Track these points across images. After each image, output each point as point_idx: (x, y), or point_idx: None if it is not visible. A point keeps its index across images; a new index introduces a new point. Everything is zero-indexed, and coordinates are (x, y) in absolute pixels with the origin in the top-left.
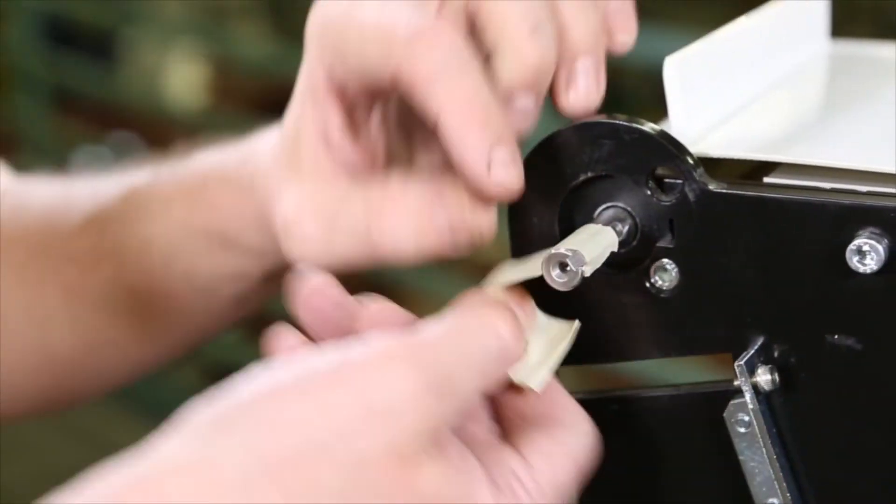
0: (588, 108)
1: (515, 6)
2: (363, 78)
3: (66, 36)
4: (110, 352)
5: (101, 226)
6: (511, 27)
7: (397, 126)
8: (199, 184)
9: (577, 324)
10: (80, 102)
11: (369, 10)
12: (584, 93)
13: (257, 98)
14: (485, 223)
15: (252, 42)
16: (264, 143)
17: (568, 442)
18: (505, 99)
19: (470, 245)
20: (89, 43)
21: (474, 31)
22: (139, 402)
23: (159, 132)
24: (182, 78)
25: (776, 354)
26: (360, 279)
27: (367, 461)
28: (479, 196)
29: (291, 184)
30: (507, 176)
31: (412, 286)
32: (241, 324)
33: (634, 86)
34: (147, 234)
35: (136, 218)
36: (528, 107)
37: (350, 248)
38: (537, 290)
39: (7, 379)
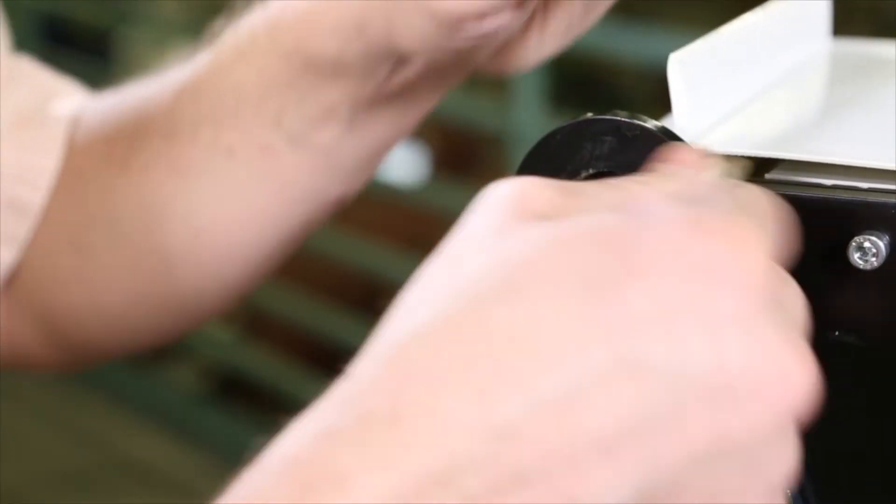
0: None
1: None
2: None
3: (62, 35)
4: (221, 237)
5: (196, 88)
6: None
7: None
8: (279, 8)
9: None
10: None
11: None
12: None
13: None
14: None
15: None
16: None
17: None
18: None
19: None
20: (86, 42)
21: None
22: (139, 403)
23: None
24: None
25: None
26: (358, 280)
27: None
28: None
29: None
30: None
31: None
32: (240, 324)
33: (632, 85)
34: (238, 78)
35: (226, 66)
36: None
37: None
38: None
39: (127, 283)
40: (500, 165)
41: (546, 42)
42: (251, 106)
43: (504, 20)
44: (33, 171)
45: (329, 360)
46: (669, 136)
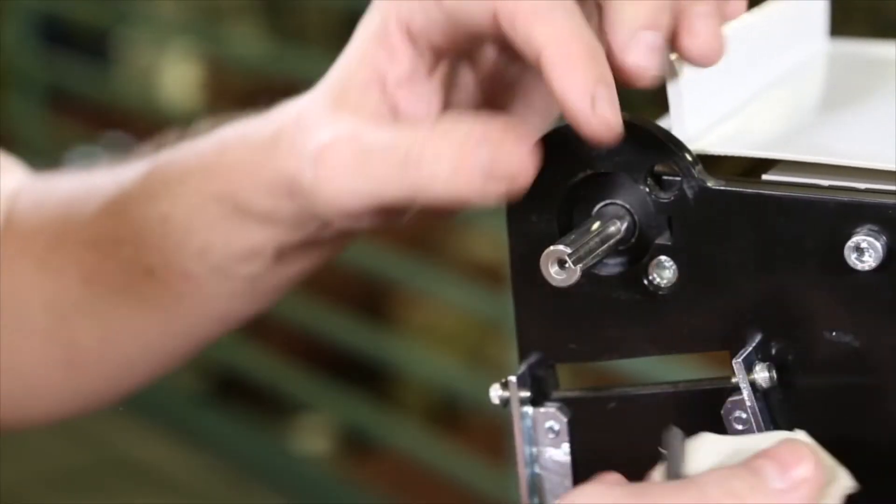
0: (710, 54)
1: None
2: (455, 22)
3: (60, 36)
4: (132, 343)
5: (122, 208)
6: None
7: (457, 90)
8: (216, 150)
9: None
10: (74, 102)
11: None
12: (704, 37)
13: (252, 98)
14: (523, 170)
15: (247, 42)
16: (299, 100)
17: None
18: (628, 40)
19: (504, 190)
20: (84, 43)
21: None
22: (137, 403)
23: (154, 132)
24: (177, 78)
25: (774, 351)
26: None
27: None
28: (584, 133)
29: (331, 118)
30: (611, 114)
31: (409, 287)
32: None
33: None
34: (165, 210)
35: (154, 194)
36: (655, 42)
37: (384, 175)
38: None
39: (30, 377)
40: None
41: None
42: (175, 238)
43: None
44: None
45: (328, 361)
46: (667, 138)
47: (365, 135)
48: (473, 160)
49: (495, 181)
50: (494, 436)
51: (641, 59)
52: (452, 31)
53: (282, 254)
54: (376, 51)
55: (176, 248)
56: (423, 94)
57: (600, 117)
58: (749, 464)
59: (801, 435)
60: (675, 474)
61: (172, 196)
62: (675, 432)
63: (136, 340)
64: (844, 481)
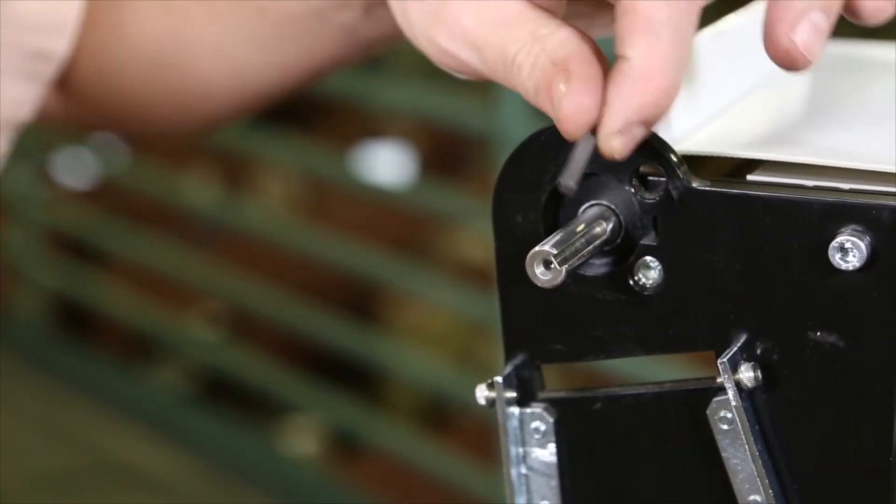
0: (806, 63)
1: None
2: None
3: None
4: (253, 78)
5: None
6: None
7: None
8: None
9: None
10: None
11: None
12: (810, 44)
13: None
14: (584, 115)
15: None
16: None
17: None
18: (798, 17)
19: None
20: None
21: None
22: (125, 405)
23: None
24: None
25: (759, 351)
26: (346, 280)
27: None
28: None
29: None
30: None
31: (397, 288)
32: (226, 326)
33: None
34: None
35: None
36: (823, 25)
37: (473, 53)
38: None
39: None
40: (486, 166)
41: None
42: None
43: None
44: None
45: (317, 362)
46: (652, 138)
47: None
48: (552, 94)
49: (564, 118)
50: (483, 436)
51: (809, 40)
52: None
53: (371, 9)
54: None
55: None
56: None
57: (619, 151)
58: None
59: None
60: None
61: None
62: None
63: (257, 75)
64: None
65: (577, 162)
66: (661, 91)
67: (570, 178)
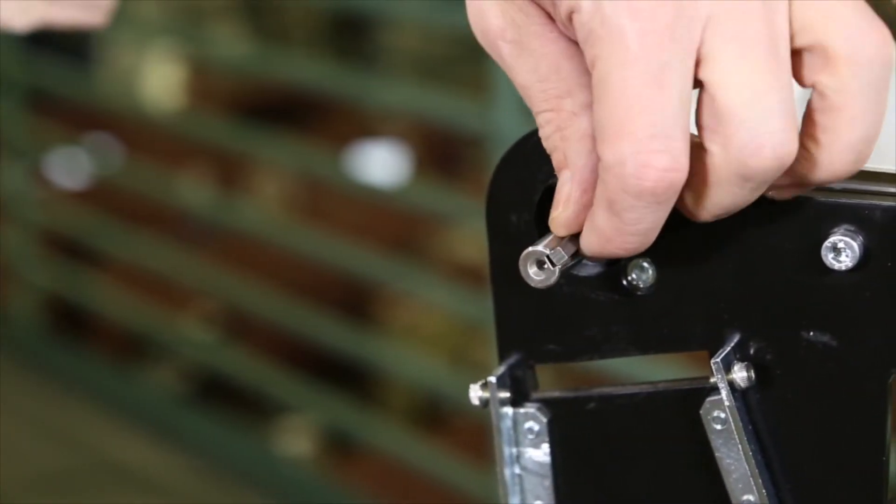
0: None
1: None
2: None
3: (41, 37)
4: None
5: None
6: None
7: None
8: None
9: None
10: (56, 104)
11: None
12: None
13: (235, 99)
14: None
15: (229, 43)
16: None
17: None
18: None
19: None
20: (65, 44)
21: None
22: (120, 405)
23: (136, 133)
24: (159, 79)
25: (752, 351)
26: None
27: None
28: None
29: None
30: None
31: (392, 288)
32: (221, 326)
33: None
34: None
35: None
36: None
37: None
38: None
39: None
40: (480, 166)
41: None
42: None
43: None
44: None
45: (311, 362)
46: None
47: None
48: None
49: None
50: (478, 436)
51: (847, 172)
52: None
53: None
54: None
55: None
56: None
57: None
58: None
59: None
60: None
61: None
62: None
63: None
64: None
65: None
66: (621, 250)
67: None
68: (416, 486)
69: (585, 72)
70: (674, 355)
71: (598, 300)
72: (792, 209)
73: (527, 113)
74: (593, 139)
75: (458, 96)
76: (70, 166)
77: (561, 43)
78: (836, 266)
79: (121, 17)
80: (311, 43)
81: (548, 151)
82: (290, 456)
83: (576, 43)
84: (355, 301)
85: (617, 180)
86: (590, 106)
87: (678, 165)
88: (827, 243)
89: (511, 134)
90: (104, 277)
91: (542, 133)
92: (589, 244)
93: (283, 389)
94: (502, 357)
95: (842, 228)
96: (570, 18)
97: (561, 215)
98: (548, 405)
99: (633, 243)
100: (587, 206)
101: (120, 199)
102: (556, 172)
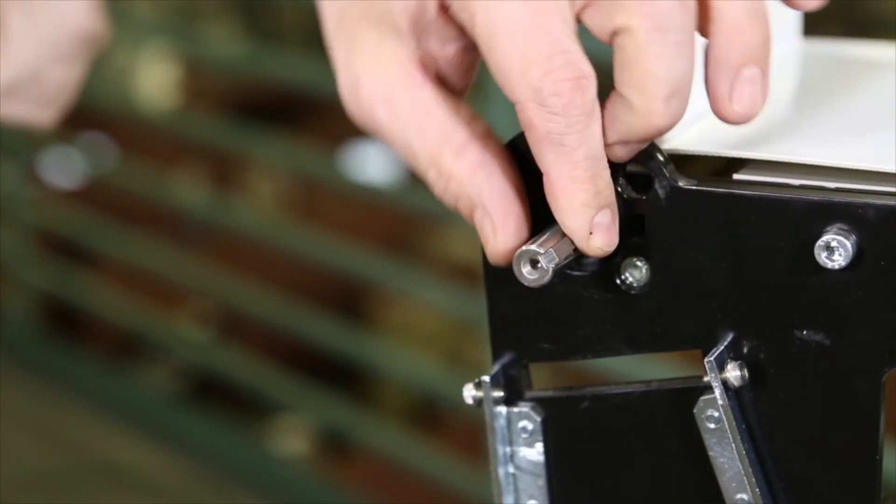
0: (750, 118)
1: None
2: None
3: None
4: None
5: None
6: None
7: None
8: None
9: None
10: None
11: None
12: (748, 103)
13: (229, 98)
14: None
15: (223, 42)
16: None
17: None
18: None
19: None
20: None
21: None
22: (114, 405)
23: (130, 133)
24: (153, 78)
25: (746, 350)
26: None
27: None
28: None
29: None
30: (606, 242)
31: (387, 287)
32: (216, 325)
33: (608, 84)
34: None
35: None
36: (755, 76)
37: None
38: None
39: None
40: None
41: None
42: None
43: None
44: None
45: (306, 362)
46: None
47: (418, 94)
48: (477, 224)
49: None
50: (473, 436)
51: (748, 101)
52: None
53: None
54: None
55: None
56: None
57: (595, 249)
58: None
59: None
60: None
61: None
62: None
63: None
64: None
65: None
66: (581, 204)
67: None
68: (411, 486)
69: (456, 112)
70: (667, 354)
71: (592, 299)
72: (785, 208)
73: None
74: (484, 167)
75: None
76: (64, 166)
77: (427, 89)
78: (830, 265)
79: (115, 16)
80: (305, 42)
81: (452, 208)
82: (285, 455)
83: (443, 88)
84: (350, 300)
85: (539, 109)
86: (469, 142)
87: (585, 72)
88: (820, 242)
89: (504, 133)
90: (99, 277)
91: (437, 192)
92: (555, 197)
93: (277, 389)
94: (496, 356)
95: (835, 227)
96: (445, 9)
97: (494, 248)
98: (541, 404)
99: (588, 169)
100: (516, 228)
101: (114, 199)
102: (468, 220)
